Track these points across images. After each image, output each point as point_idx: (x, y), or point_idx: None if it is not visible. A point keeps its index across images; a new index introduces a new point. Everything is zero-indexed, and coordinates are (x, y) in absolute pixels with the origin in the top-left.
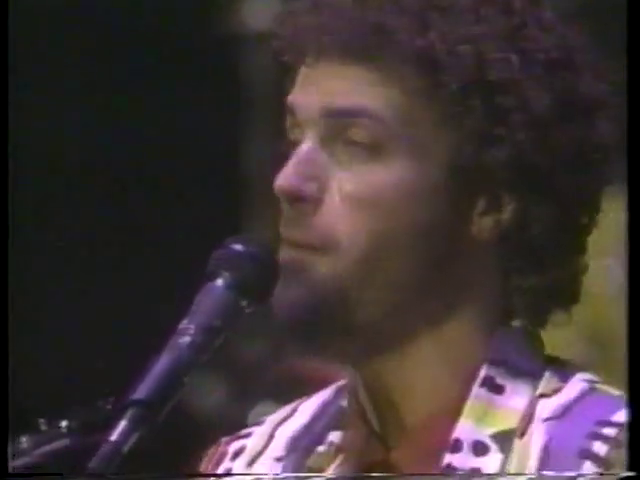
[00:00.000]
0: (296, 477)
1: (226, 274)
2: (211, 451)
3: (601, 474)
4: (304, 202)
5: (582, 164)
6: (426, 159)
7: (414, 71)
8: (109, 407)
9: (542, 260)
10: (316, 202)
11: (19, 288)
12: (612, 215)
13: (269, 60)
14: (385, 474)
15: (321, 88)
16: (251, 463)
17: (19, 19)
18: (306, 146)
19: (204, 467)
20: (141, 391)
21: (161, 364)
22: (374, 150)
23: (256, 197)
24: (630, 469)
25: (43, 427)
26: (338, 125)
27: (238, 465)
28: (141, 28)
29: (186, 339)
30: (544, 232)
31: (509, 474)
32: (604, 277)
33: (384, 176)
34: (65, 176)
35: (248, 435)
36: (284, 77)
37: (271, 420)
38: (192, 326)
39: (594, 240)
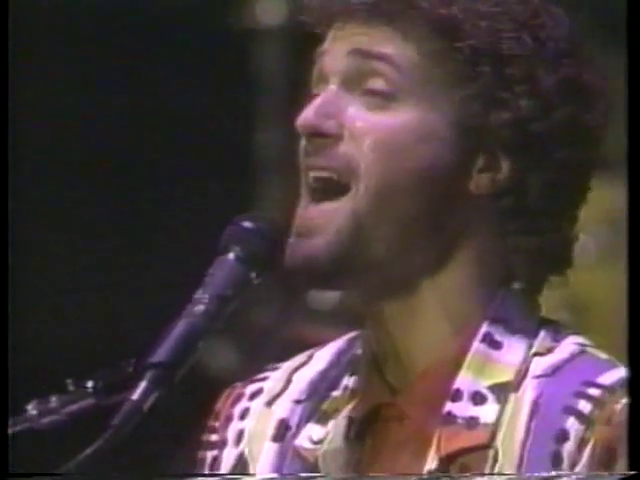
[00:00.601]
0: (296, 477)
1: (237, 248)
2: (226, 393)
3: (601, 474)
4: (323, 137)
5: (578, 140)
6: (434, 112)
7: (433, 35)
8: (130, 369)
9: (537, 223)
10: (336, 137)
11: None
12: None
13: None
14: (383, 474)
15: (348, 41)
16: (270, 403)
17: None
18: (329, 89)
19: (220, 406)
20: (160, 354)
21: (178, 330)
22: (388, 98)
23: (264, 178)
24: (630, 469)
25: (71, 387)
26: (360, 73)
27: (256, 404)
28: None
29: (200, 307)
30: (539, 197)
31: (509, 474)
32: (581, 245)
33: (395, 121)
34: (68, 158)
35: (264, 379)
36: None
37: (287, 366)
38: (206, 296)
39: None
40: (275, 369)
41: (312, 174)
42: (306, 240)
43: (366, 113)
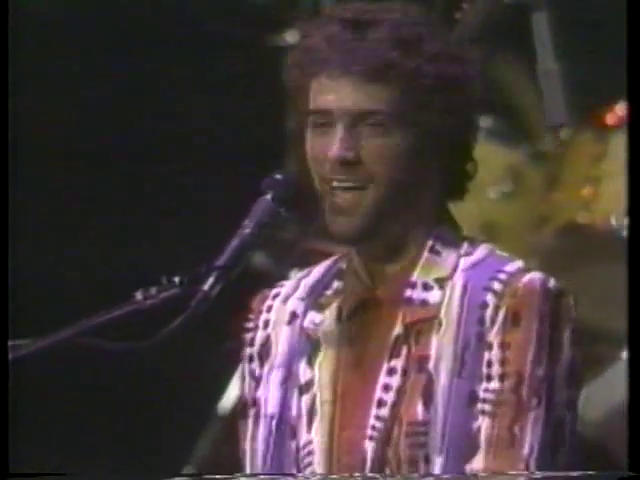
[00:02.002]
0: (294, 477)
1: (271, 191)
2: (258, 296)
3: (601, 474)
4: (348, 165)
5: (460, 111)
6: (410, 133)
7: (405, 83)
8: (202, 270)
9: (451, 170)
10: (355, 163)
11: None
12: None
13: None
14: (381, 474)
15: (348, 94)
16: (285, 301)
17: None
18: (339, 131)
19: (253, 304)
20: (221, 259)
21: (233, 244)
22: (382, 128)
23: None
24: (630, 469)
25: (164, 281)
26: (360, 117)
27: (277, 302)
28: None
29: (247, 230)
30: (451, 162)
31: (508, 474)
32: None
33: (390, 142)
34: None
35: (282, 285)
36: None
37: (297, 276)
38: (251, 223)
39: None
40: (290, 279)
41: (337, 184)
42: (340, 218)
43: (368, 142)
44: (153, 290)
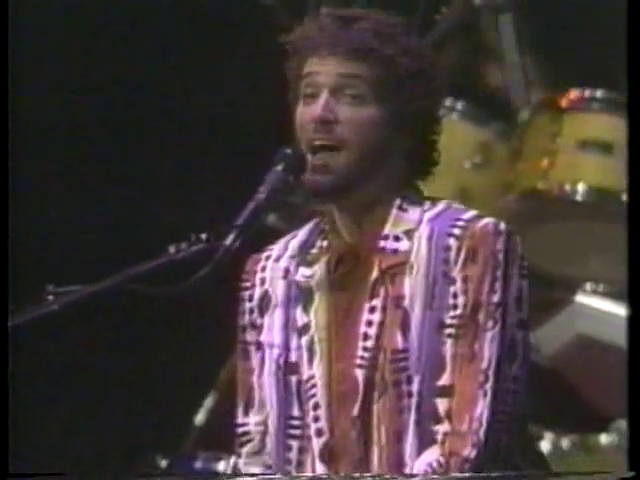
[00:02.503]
0: (294, 477)
1: (282, 163)
2: (250, 260)
3: (601, 474)
4: (328, 124)
5: (425, 95)
6: (382, 108)
7: (381, 67)
8: (224, 228)
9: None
10: (334, 123)
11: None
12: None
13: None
14: (378, 474)
15: (332, 67)
16: (277, 260)
17: None
18: (323, 97)
19: (248, 267)
20: (240, 219)
21: (250, 207)
22: (360, 99)
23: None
24: (630, 469)
25: (193, 238)
26: (341, 86)
27: (270, 262)
28: None
29: (261, 195)
30: (418, 136)
31: (507, 473)
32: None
33: (365, 112)
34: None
35: (271, 249)
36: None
37: (284, 239)
38: (264, 189)
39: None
40: (278, 243)
41: (317, 142)
42: (318, 176)
43: (347, 109)
44: (184, 245)
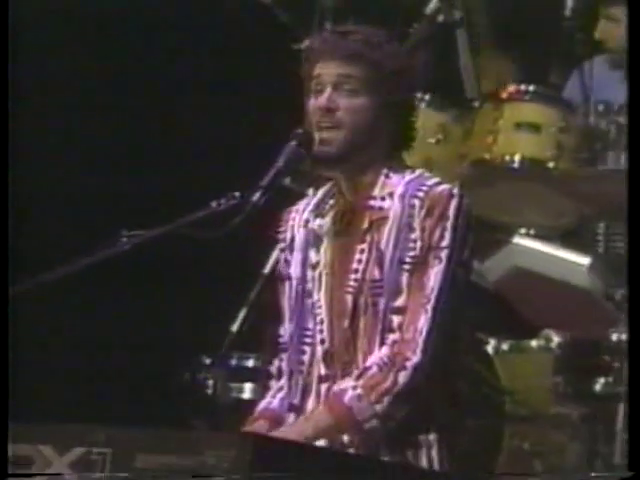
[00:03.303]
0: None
1: (295, 139)
2: (285, 212)
3: (601, 474)
4: (331, 111)
5: (405, 89)
6: (374, 98)
7: (370, 68)
8: (251, 188)
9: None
10: (335, 111)
11: None
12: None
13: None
14: None
15: (334, 69)
16: (302, 212)
17: None
18: (327, 91)
19: (284, 217)
20: (264, 182)
21: (271, 172)
22: (354, 92)
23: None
24: (630, 469)
25: (213, 204)
26: (340, 83)
27: (297, 214)
28: None
29: (280, 163)
30: (399, 119)
31: (505, 473)
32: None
33: (358, 102)
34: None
35: (299, 204)
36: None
37: (308, 197)
38: (282, 159)
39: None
40: (303, 199)
41: (323, 124)
42: (323, 148)
43: (345, 100)
44: (222, 200)
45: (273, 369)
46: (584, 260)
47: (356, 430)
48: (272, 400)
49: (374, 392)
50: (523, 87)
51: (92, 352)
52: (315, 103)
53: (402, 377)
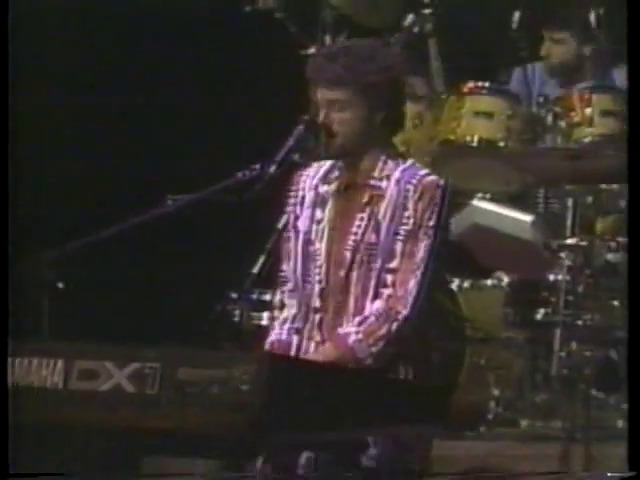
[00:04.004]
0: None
1: (303, 124)
2: (296, 174)
3: (601, 474)
4: (326, 126)
5: (393, 98)
6: (361, 111)
7: (356, 87)
8: (269, 162)
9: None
10: (330, 125)
11: None
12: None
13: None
14: None
15: (323, 94)
16: (312, 178)
17: None
18: (322, 112)
19: (295, 178)
20: (279, 157)
21: (284, 149)
22: (344, 106)
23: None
24: (630, 469)
25: (239, 175)
26: (331, 103)
27: (308, 179)
28: None
29: (290, 143)
30: (391, 117)
31: (506, 473)
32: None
33: (347, 115)
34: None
35: (309, 170)
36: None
37: (318, 165)
38: (292, 139)
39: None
40: (313, 166)
41: (324, 133)
42: (326, 149)
43: (337, 113)
44: (246, 172)
45: (276, 301)
46: (527, 218)
47: (355, 364)
48: (281, 332)
49: (371, 337)
50: (480, 83)
51: (145, 288)
52: (318, 120)
53: (394, 327)
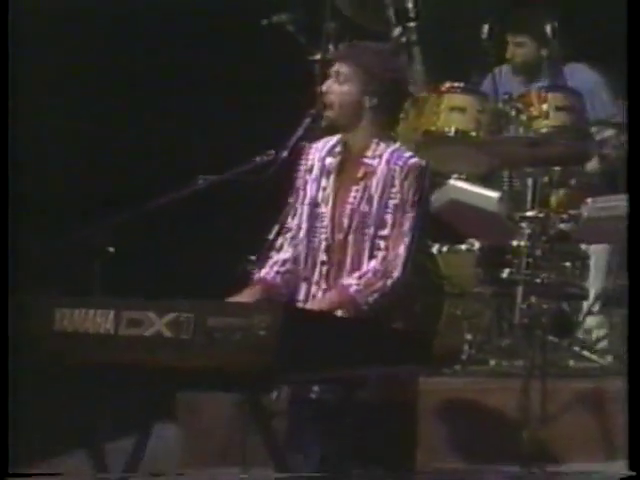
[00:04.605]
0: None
1: (311, 115)
2: (306, 148)
3: (601, 474)
4: (324, 95)
5: (393, 93)
6: (356, 88)
7: (360, 67)
8: (282, 147)
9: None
10: (329, 94)
11: None
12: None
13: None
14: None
15: (335, 66)
16: (320, 151)
17: None
18: (328, 81)
19: (305, 151)
20: (291, 141)
21: (295, 135)
22: (344, 80)
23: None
24: (630, 469)
25: (257, 159)
26: (337, 75)
27: (317, 152)
28: None
29: (300, 132)
30: (387, 106)
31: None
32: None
33: (345, 88)
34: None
35: (318, 144)
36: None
37: (325, 140)
38: (301, 127)
39: None
40: (321, 141)
41: (324, 103)
42: (327, 114)
43: (338, 86)
44: (264, 157)
45: (277, 244)
46: (494, 194)
47: (354, 311)
48: (269, 271)
49: (369, 290)
50: (455, 84)
51: (181, 252)
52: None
53: (388, 283)
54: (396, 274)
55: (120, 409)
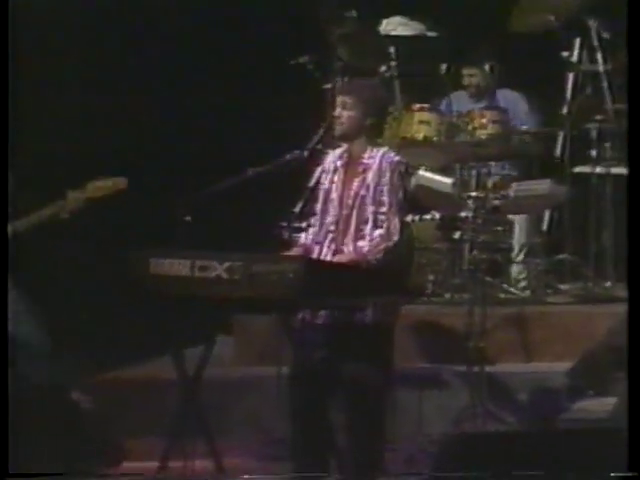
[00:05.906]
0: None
1: (324, 128)
2: (325, 152)
3: (601, 473)
4: (338, 117)
5: (378, 107)
6: (358, 113)
7: (358, 98)
8: (304, 150)
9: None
10: (340, 117)
11: None
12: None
13: None
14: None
15: (342, 98)
16: (331, 156)
17: None
18: (338, 108)
19: (322, 158)
20: (310, 145)
21: (313, 142)
22: (350, 107)
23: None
24: (630, 469)
25: (287, 157)
26: (344, 104)
27: (329, 157)
28: None
29: (316, 138)
30: (376, 120)
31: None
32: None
33: (351, 113)
34: None
35: (331, 152)
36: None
37: (335, 150)
38: (316, 137)
39: None
40: (334, 150)
41: (335, 122)
42: (336, 133)
43: (344, 111)
44: (289, 156)
45: (310, 223)
46: (449, 180)
47: (365, 264)
48: (306, 239)
49: (376, 249)
50: (423, 105)
51: (235, 221)
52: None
53: (390, 244)
54: (395, 237)
55: (196, 325)
